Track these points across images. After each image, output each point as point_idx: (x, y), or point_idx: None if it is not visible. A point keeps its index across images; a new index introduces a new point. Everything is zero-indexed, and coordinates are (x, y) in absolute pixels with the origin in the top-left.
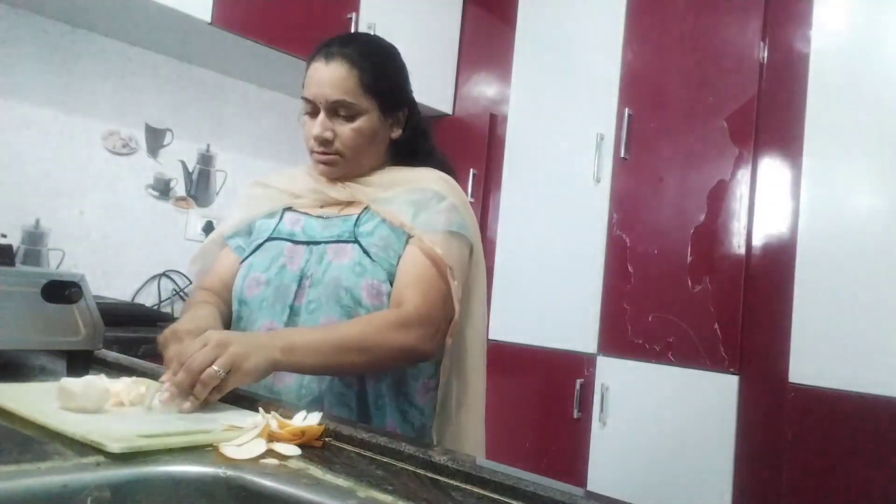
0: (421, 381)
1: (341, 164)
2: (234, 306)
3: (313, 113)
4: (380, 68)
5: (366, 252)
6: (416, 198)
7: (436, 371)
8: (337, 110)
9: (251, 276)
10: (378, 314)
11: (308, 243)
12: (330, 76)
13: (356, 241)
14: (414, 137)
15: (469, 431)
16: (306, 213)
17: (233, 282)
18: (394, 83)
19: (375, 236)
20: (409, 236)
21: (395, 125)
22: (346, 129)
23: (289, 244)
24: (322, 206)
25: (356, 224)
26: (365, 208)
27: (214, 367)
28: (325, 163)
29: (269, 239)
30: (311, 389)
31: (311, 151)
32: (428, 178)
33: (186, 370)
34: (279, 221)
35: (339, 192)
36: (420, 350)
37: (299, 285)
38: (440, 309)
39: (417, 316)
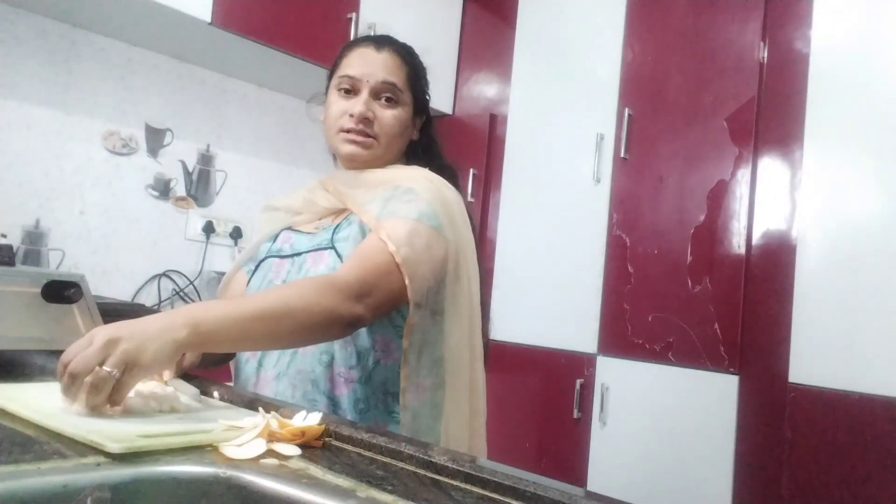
0: (412, 381)
1: (374, 148)
2: None
3: (351, 91)
4: (420, 71)
5: (339, 256)
6: (389, 195)
7: (429, 371)
8: (380, 94)
9: None
10: (300, 280)
11: (292, 256)
12: (384, 61)
13: (332, 248)
14: (426, 143)
15: (455, 439)
16: (298, 231)
17: None
18: (425, 88)
19: (350, 240)
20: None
21: (415, 128)
22: (387, 114)
23: (276, 260)
24: (320, 219)
25: (335, 231)
26: (348, 215)
27: (106, 368)
28: (358, 143)
29: (265, 258)
30: (285, 396)
31: (341, 131)
32: (407, 177)
33: (70, 375)
34: (274, 241)
35: (329, 199)
36: (348, 312)
37: None
38: (376, 276)
39: (346, 280)
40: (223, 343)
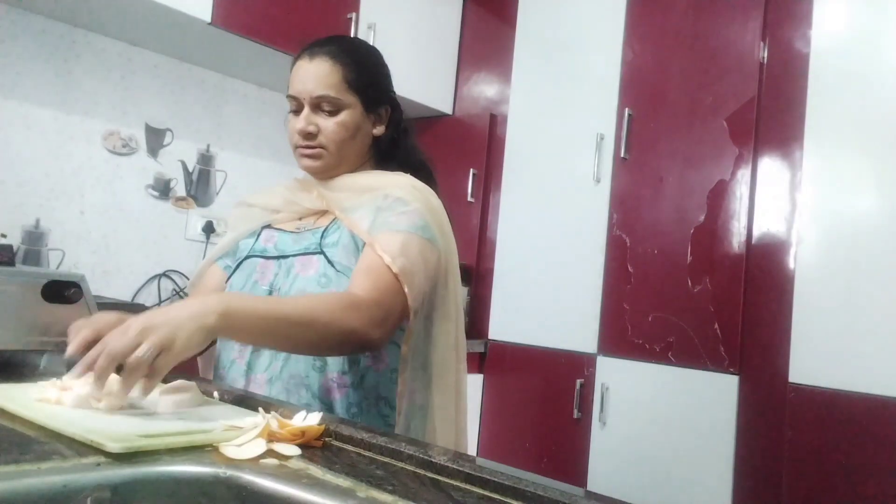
0: (409, 385)
1: (325, 158)
2: None
3: (297, 110)
4: (362, 65)
5: (330, 263)
6: (379, 204)
7: (422, 374)
8: (321, 105)
9: None
10: (327, 294)
11: (278, 258)
12: (314, 72)
13: (321, 253)
14: (396, 135)
15: (443, 439)
16: (280, 230)
17: None
18: (375, 80)
19: (339, 246)
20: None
21: (378, 122)
22: (329, 123)
23: (261, 260)
24: (300, 219)
25: (323, 235)
26: (334, 219)
27: (143, 347)
28: (309, 156)
29: (247, 257)
30: (280, 399)
31: (296, 147)
32: (395, 185)
33: (106, 356)
34: (256, 239)
35: (313, 201)
36: (366, 335)
37: None
38: (391, 297)
39: (366, 300)
40: (247, 335)
